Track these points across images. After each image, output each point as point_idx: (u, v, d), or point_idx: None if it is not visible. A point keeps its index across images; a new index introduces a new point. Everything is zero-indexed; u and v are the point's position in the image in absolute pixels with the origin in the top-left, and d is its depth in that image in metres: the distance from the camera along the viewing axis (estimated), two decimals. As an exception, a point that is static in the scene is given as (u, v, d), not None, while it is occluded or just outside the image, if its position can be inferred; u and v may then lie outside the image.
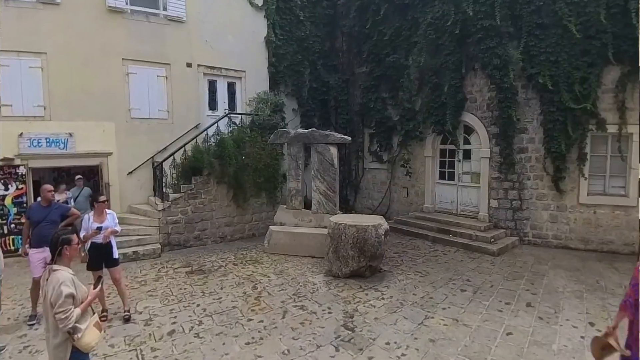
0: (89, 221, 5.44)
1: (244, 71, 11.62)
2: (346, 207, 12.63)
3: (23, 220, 9.34)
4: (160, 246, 9.05)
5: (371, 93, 12.05)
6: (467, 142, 10.56)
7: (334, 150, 8.99)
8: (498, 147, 9.69)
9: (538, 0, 8.82)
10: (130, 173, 10.11)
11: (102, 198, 5.64)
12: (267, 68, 12.03)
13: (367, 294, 6.43)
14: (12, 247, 9.29)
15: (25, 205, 9.52)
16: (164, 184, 9.48)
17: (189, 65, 10.65)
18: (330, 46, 13.00)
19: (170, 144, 10.31)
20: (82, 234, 5.35)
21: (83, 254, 5.90)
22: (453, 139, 10.37)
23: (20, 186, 9.53)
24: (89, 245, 5.55)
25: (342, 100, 12.66)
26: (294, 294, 6.44)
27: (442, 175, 11.12)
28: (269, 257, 8.61)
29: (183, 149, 9.67)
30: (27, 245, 5.67)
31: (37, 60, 9.36)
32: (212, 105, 11.30)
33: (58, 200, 6.90)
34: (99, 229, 5.36)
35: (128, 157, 10.02)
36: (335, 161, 9.02)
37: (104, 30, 9.71)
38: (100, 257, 5.55)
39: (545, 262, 8.18)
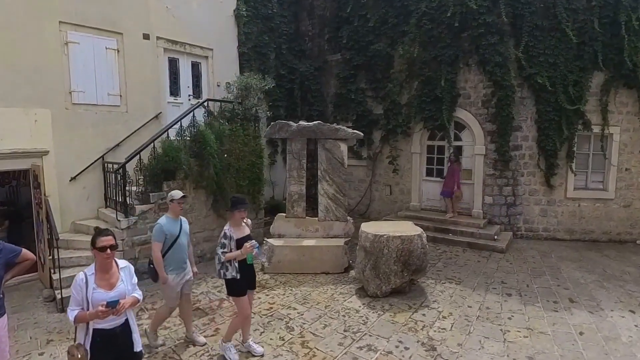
0: (88, 288, 3.19)
1: (212, 49, 10.42)
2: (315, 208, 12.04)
3: None
4: None
5: (350, 83, 11.79)
6: (457, 138, 11.05)
7: (344, 147, 8.54)
8: (494, 145, 10.37)
9: (539, 2, 9.70)
10: (73, 179, 8.24)
11: (106, 240, 3.25)
12: (237, 48, 10.93)
13: (424, 315, 6.24)
14: None
15: None
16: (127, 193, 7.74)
17: (146, 36, 9.07)
18: (295, 29, 12.17)
19: (125, 139, 8.70)
20: (74, 313, 3.15)
21: (79, 356, 3.15)
22: (445, 135, 10.64)
23: None
24: (89, 340, 3.23)
25: (314, 90, 11.97)
26: (345, 330, 5.77)
27: (429, 172, 11.38)
28: (275, 280, 7.72)
29: (152, 145, 8.09)
30: None
31: None
32: (174, 90, 9.78)
33: None
34: (112, 304, 3.12)
35: (69, 157, 8.16)
36: (346, 160, 8.48)
37: None
38: (111, 355, 3.32)
39: (548, 255, 9.14)
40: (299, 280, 7.62)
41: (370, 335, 5.56)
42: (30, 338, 5.56)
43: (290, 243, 8.20)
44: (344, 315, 6.18)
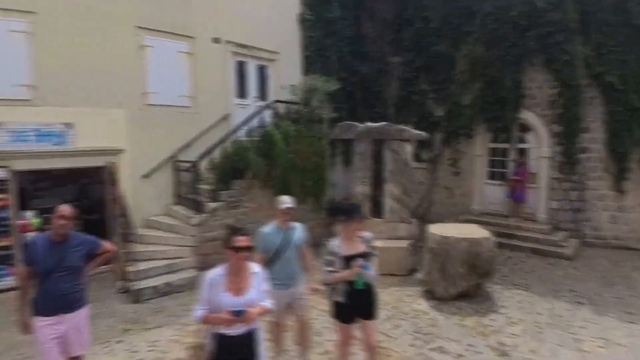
0: (216, 290, 3.09)
1: (278, 52, 10.77)
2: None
3: (3, 242, 7.53)
4: (197, 272, 7.72)
5: (411, 85, 11.89)
6: (521, 140, 10.96)
7: (409, 149, 8.57)
8: (560, 147, 10.17)
9: (609, -3, 9.46)
10: (145, 176, 8.66)
11: (243, 240, 3.05)
12: (301, 51, 11.30)
13: (493, 320, 6.23)
14: None
15: (6, 223, 7.48)
16: (199, 192, 8.22)
17: (216, 40, 9.48)
18: (357, 32, 12.35)
19: (194, 138, 9.06)
20: (200, 313, 3.11)
21: (198, 357, 3.31)
22: (509, 138, 10.52)
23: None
24: (212, 343, 3.16)
25: (375, 92, 12.11)
26: (415, 332, 5.86)
27: (491, 176, 11.34)
28: (341, 279, 7.85)
29: (222, 144, 8.60)
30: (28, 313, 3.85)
31: (23, 23, 7.46)
32: (241, 92, 10.22)
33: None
34: (239, 313, 2.96)
35: (142, 155, 8.61)
36: (411, 161, 8.56)
37: None
38: None
39: (620, 264, 8.82)
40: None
41: (440, 338, 5.65)
42: (107, 326, 5.94)
43: (356, 244, 8.38)
44: (413, 317, 6.29)
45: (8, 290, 7.40)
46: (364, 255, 3.97)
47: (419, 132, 8.78)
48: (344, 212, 4.11)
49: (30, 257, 3.74)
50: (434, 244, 6.89)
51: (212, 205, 8.23)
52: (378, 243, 7.93)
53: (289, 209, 4.43)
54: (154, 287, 7.10)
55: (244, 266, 3.14)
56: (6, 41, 7.33)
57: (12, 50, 7.40)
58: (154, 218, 8.59)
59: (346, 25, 12.14)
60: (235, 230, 3.08)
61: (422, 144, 11.97)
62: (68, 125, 7.83)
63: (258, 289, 3.19)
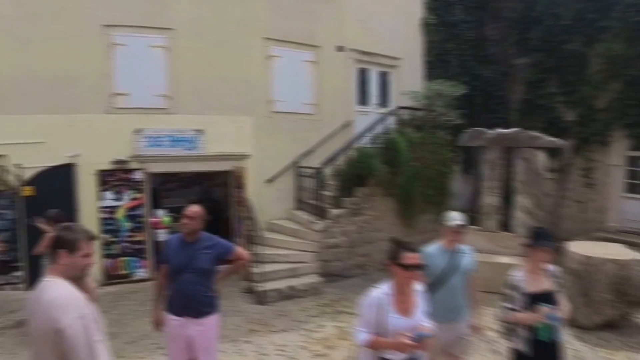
0: (383, 311, 2.77)
1: (400, 58, 10.65)
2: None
3: (138, 237, 8.34)
4: (319, 278, 7.84)
5: (538, 88, 11.15)
6: None
7: (542, 157, 7.95)
8: None
9: None
10: (269, 181, 8.94)
11: (414, 257, 2.73)
12: (423, 56, 11.10)
13: None
14: (124, 272, 8.21)
15: (141, 219, 8.31)
16: (323, 198, 8.29)
17: (340, 49, 9.61)
18: (478, 34, 11.90)
19: (316, 145, 9.22)
20: (365, 337, 2.79)
21: None
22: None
23: (135, 196, 8.29)
24: None
25: (498, 96, 11.54)
26: None
27: (631, 189, 10.28)
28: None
29: (346, 151, 8.66)
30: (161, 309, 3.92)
31: (161, 38, 8.22)
32: (362, 99, 10.27)
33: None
34: (420, 338, 2.64)
35: (267, 160, 8.94)
36: (544, 171, 7.96)
37: (243, 2, 8.65)
38: None
39: None
40: (492, 300, 7.28)
41: (588, 371, 5.06)
42: (234, 325, 6.06)
43: (484, 259, 7.88)
44: (554, 346, 5.75)
45: (141, 280, 8.17)
46: (549, 296, 3.30)
47: (554, 139, 8.14)
48: (536, 236, 3.37)
49: (165, 255, 3.85)
50: (575, 264, 6.23)
51: (335, 211, 8.26)
52: (508, 259, 7.55)
53: (459, 227, 3.71)
54: (278, 290, 7.24)
55: (411, 285, 2.86)
56: (146, 56, 8.09)
57: (152, 64, 8.13)
58: (276, 222, 8.83)
59: (468, 28, 11.71)
60: (403, 246, 2.80)
61: (550, 152, 11.15)
62: (199, 131, 8.39)
63: (422, 310, 2.91)
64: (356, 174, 8.47)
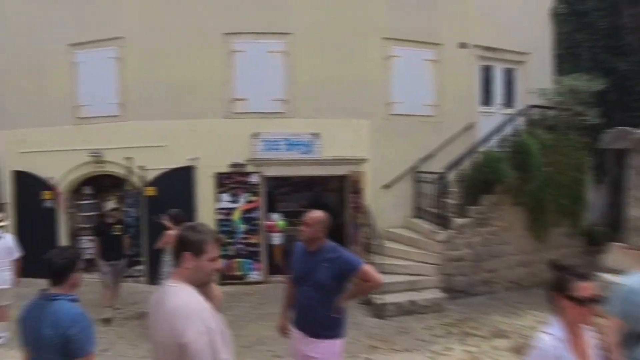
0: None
1: (528, 53, 9.75)
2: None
3: (252, 239, 8.38)
4: (441, 294, 7.20)
5: None
6: None
7: None
8: None
9: None
10: (386, 186, 8.54)
11: (589, 288, 2.10)
12: (552, 49, 10.11)
13: None
14: (238, 273, 8.33)
15: (256, 222, 8.42)
16: (445, 206, 7.67)
17: (462, 45, 9.03)
18: (611, 23, 10.63)
19: (437, 148, 8.66)
20: None
21: None
22: None
23: (251, 198, 8.41)
24: None
25: (636, 92, 10.16)
26: None
27: None
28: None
29: (470, 155, 7.96)
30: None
31: (279, 43, 8.36)
32: (485, 99, 9.53)
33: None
34: None
35: (384, 165, 8.56)
36: None
37: (360, 2, 8.44)
38: None
39: None
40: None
41: None
42: (353, 339, 5.60)
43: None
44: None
45: (255, 283, 8.27)
46: None
47: None
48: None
49: (292, 263, 3.57)
50: None
51: (459, 221, 7.58)
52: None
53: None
54: (397, 304, 6.76)
55: (585, 323, 2.21)
56: (264, 61, 8.26)
57: (269, 69, 8.28)
58: (393, 230, 8.38)
59: (601, 16, 10.49)
60: (573, 272, 2.17)
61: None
62: (315, 135, 8.32)
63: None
64: (482, 180, 7.73)
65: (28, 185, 8.96)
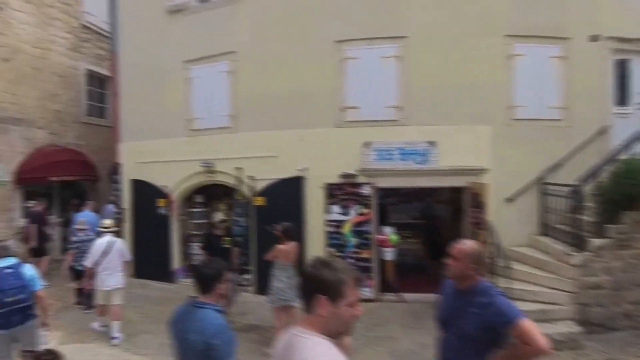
0: None
1: None
2: None
3: (364, 254, 8.09)
4: (577, 327, 6.33)
5: None
6: None
7: None
8: None
9: None
10: (509, 199, 7.88)
11: None
12: None
13: None
14: None
15: (367, 236, 8.13)
16: (580, 223, 6.78)
17: (593, 38, 7.99)
18: None
19: (565, 157, 7.81)
20: None
21: None
22: None
23: (363, 211, 8.17)
24: None
25: None
26: None
27: None
28: None
29: (608, 164, 6.98)
30: None
31: (393, 48, 8.06)
32: (620, 98, 8.39)
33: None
34: None
35: (506, 175, 7.84)
36: None
37: None
38: None
39: None
40: None
41: None
42: None
43: None
44: None
45: (366, 301, 7.78)
46: None
47: None
48: None
49: (438, 302, 3.05)
50: None
51: (596, 242, 6.67)
52: None
53: None
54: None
55: None
56: (377, 67, 8.02)
57: (382, 75, 8.02)
58: (516, 249, 7.61)
59: None
60: None
61: None
62: (431, 143, 7.90)
63: None
64: (623, 194, 6.73)
65: (145, 193, 9.57)
